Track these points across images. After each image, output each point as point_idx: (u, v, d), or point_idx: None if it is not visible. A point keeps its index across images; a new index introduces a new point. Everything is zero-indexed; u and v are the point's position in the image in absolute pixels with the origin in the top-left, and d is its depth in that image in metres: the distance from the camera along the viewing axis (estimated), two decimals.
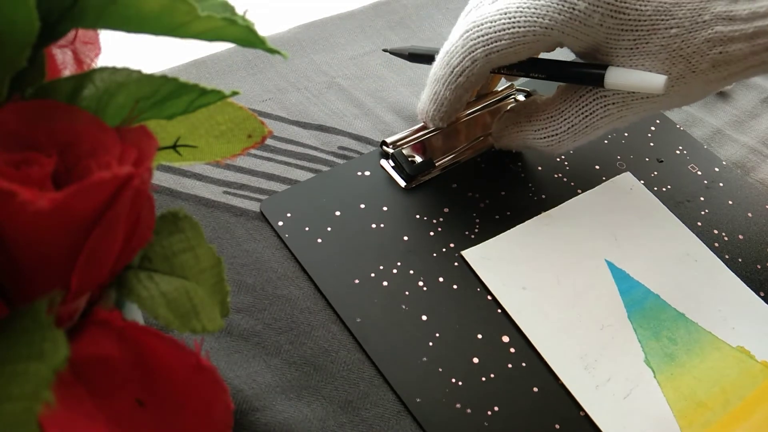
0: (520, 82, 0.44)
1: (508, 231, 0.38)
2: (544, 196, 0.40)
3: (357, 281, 0.35)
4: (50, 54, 0.21)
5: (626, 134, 0.45)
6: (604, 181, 0.42)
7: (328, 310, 0.34)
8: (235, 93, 0.20)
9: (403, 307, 0.34)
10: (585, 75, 0.35)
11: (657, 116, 0.46)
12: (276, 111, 0.42)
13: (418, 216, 0.38)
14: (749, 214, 0.42)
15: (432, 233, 0.37)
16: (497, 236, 0.38)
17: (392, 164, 0.40)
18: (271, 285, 0.34)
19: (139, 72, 0.19)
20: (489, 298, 0.35)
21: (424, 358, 0.33)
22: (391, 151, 0.40)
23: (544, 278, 0.36)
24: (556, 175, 0.41)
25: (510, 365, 0.33)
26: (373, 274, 0.35)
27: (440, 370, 0.32)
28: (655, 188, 0.42)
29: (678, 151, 0.44)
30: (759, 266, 0.39)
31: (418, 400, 0.31)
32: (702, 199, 0.42)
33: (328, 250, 0.36)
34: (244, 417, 0.30)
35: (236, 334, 0.32)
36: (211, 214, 0.36)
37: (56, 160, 0.18)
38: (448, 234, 0.38)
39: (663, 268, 0.38)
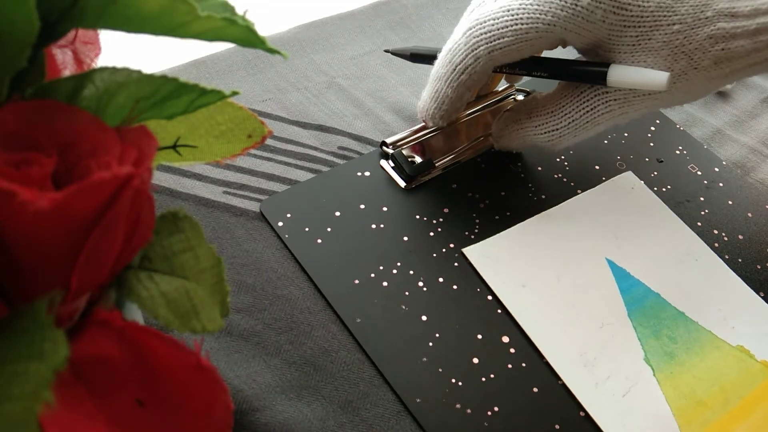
0: (521, 82, 0.44)
1: (509, 229, 0.38)
2: (544, 197, 0.40)
3: (357, 281, 0.35)
4: (50, 54, 0.21)
5: (626, 134, 0.45)
6: (604, 181, 0.42)
7: (328, 310, 0.34)
8: (235, 93, 0.20)
9: (403, 307, 0.34)
10: (587, 73, 0.35)
11: (657, 116, 0.46)
12: (276, 111, 0.42)
13: (418, 216, 0.38)
14: (749, 214, 0.42)
15: (432, 233, 0.37)
16: (498, 234, 0.38)
17: (392, 164, 0.40)
18: (271, 285, 0.34)
19: (139, 72, 0.19)
20: (489, 298, 0.35)
21: (424, 358, 0.33)
22: (391, 151, 0.40)
23: (545, 276, 0.36)
24: (556, 176, 0.41)
25: (510, 365, 0.33)
26: (373, 275, 0.35)
27: (440, 370, 0.32)
28: (655, 188, 0.42)
29: (678, 151, 0.44)
30: (759, 266, 0.39)
31: (418, 400, 0.31)
32: (702, 199, 0.42)
33: (328, 250, 0.36)
34: (244, 417, 0.30)
35: (236, 334, 0.32)
36: (211, 214, 0.36)
37: (56, 160, 0.18)
38: (448, 234, 0.38)
39: (663, 267, 0.38)
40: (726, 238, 0.40)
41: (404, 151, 0.40)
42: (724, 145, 0.46)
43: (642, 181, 0.42)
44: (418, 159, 0.40)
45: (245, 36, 0.19)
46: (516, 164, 0.42)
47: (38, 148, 0.18)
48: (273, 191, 0.38)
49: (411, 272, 0.36)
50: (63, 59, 0.22)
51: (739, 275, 0.38)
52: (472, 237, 0.38)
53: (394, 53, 0.41)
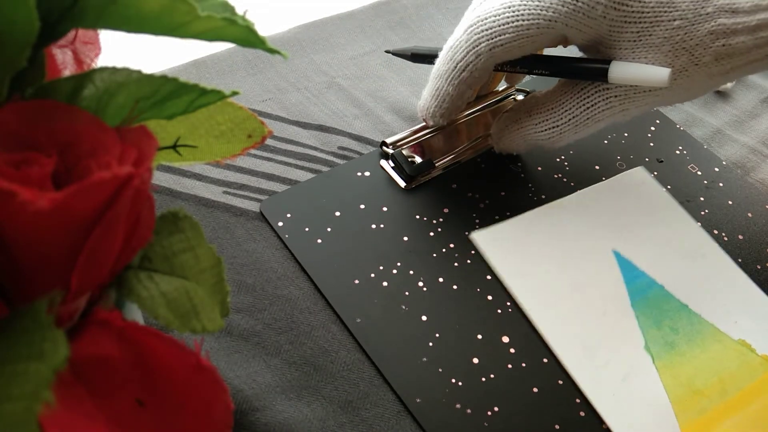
0: (521, 83, 0.44)
1: (518, 216, 0.39)
2: (544, 196, 0.40)
3: (357, 281, 0.35)
4: (50, 54, 0.21)
5: (626, 134, 0.45)
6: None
7: (328, 310, 0.34)
8: (235, 93, 0.20)
9: (403, 307, 0.34)
10: (588, 70, 0.35)
11: (657, 116, 0.46)
12: (276, 111, 0.42)
13: (418, 216, 0.38)
14: (749, 214, 0.42)
15: (432, 233, 0.37)
16: (507, 220, 0.38)
17: (392, 165, 0.40)
18: (271, 285, 0.34)
19: (139, 72, 0.19)
20: (489, 298, 0.35)
21: (424, 358, 0.33)
22: (391, 151, 0.40)
23: (551, 263, 0.37)
24: (556, 176, 0.41)
25: (510, 365, 0.33)
26: (373, 275, 0.35)
27: (440, 370, 0.32)
28: None
29: (678, 151, 0.44)
30: (759, 266, 0.39)
31: (418, 400, 0.31)
32: (702, 199, 0.42)
33: (328, 250, 0.36)
34: (244, 417, 0.30)
35: (236, 334, 0.32)
36: (211, 214, 0.36)
37: (56, 160, 0.18)
38: (448, 234, 0.38)
39: (670, 261, 0.38)
40: (726, 238, 0.40)
41: (404, 151, 0.40)
42: (724, 145, 0.46)
43: (653, 177, 0.42)
44: (418, 159, 0.40)
45: (245, 36, 0.19)
46: (516, 164, 0.42)
47: (38, 148, 0.18)
48: (273, 191, 0.38)
49: (411, 272, 0.36)
50: (63, 59, 0.22)
51: None
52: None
53: (395, 54, 0.41)
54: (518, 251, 0.37)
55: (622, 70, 0.34)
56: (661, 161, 0.44)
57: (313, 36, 0.47)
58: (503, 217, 0.39)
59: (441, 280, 0.36)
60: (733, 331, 0.36)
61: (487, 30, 0.34)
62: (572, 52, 0.38)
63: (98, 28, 0.20)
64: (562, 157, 0.43)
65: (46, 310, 0.17)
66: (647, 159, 0.43)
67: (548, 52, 0.39)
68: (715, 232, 0.40)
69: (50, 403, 0.16)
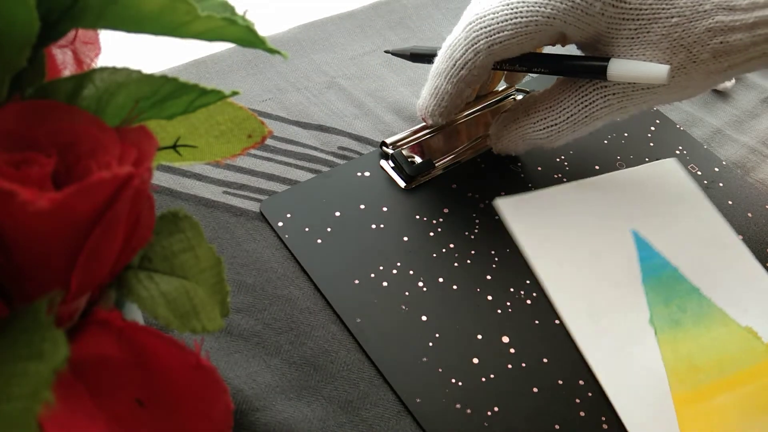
0: (521, 83, 0.44)
1: (545, 189, 0.40)
2: None
3: (357, 281, 0.35)
4: (50, 54, 0.21)
5: (626, 134, 0.45)
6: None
7: (328, 310, 0.34)
8: (235, 93, 0.20)
9: (403, 307, 0.34)
10: (587, 68, 0.35)
11: (657, 116, 0.46)
12: (276, 111, 0.42)
13: (417, 216, 0.38)
14: (749, 214, 0.42)
15: (432, 233, 0.37)
16: (532, 191, 0.40)
17: (392, 165, 0.40)
18: (271, 285, 0.34)
19: (139, 72, 0.19)
20: (489, 298, 0.35)
21: (424, 358, 0.33)
22: (390, 151, 0.40)
23: (569, 234, 0.38)
24: (556, 175, 0.41)
25: (510, 365, 0.33)
26: (373, 275, 0.35)
27: (440, 370, 0.32)
28: None
29: (678, 151, 0.44)
30: None
31: (418, 400, 0.31)
32: None
33: (328, 250, 0.36)
34: (244, 417, 0.30)
35: (236, 334, 0.32)
36: (211, 214, 0.36)
37: (56, 160, 0.18)
38: (447, 234, 0.38)
39: (688, 247, 0.39)
40: None
41: (404, 151, 0.40)
42: (724, 145, 0.46)
43: (684, 170, 0.43)
44: (418, 159, 0.40)
45: (245, 36, 0.19)
46: (516, 164, 0.42)
47: (38, 148, 0.18)
48: (273, 191, 0.38)
49: (411, 272, 0.36)
50: (63, 59, 0.22)
51: None
52: (472, 237, 0.38)
53: (394, 53, 0.42)
54: (538, 220, 0.38)
55: (620, 68, 0.34)
56: None
57: (313, 36, 0.47)
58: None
59: (441, 280, 0.36)
60: (741, 318, 0.36)
61: (485, 27, 0.34)
62: (571, 51, 0.38)
63: (98, 28, 0.20)
64: (562, 157, 0.43)
65: (46, 310, 0.17)
66: (647, 159, 0.43)
67: (547, 51, 0.39)
68: None
69: (50, 403, 0.16)
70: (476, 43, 0.35)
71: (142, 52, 0.38)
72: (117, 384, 0.19)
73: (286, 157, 0.40)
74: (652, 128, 0.45)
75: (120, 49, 0.27)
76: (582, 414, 0.32)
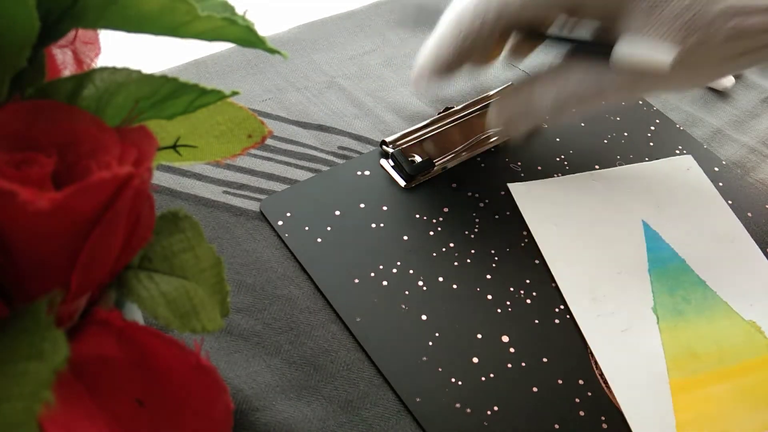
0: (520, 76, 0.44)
1: (558, 177, 0.41)
2: None
3: (357, 281, 0.35)
4: (50, 54, 0.21)
5: (626, 134, 0.45)
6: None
7: (328, 310, 0.34)
8: (235, 93, 0.20)
9: (403, 306, 0.34)
10: (594, 49, 0.35)
11: (657, 116, 0.46)
12: (276, 111, 0.42)
13: (417, 216, 0.38)
14: (749, 214, 0.42)
15: (432, 233, 0.37)
16: (546, 179, 0.40)
17: (392, 164, 0.40)
18: (271, 285, 0.34)
19: (139, 72, 0.19)
20: (489, 297, 0.35)
21: (424, 358, 0.33)
22: (390, 150, 0.40)
23: (579, 221, 0.38)
24: (556, 175, 0.41)
25: (510, 365, 0.33)
26: (373, 274, 0.35)
27: (440, 369, 0.32)
28: None
29: (678, 151, 0.44)
30: None
31: (418, 399, 0.31)
32: None
33: (328, 249, 0.36)
34: (244, 417, 0.30)
35: (236, 334, 0.32)
36: (210, 214, 0.36)
37: (56, 160, 0.18)
38: (447, 234, 0.38)
39: (697, 241, 0.39)
40: None
41: (404, 151, 0.40)
42: (724, 145, 0.46)
43: (699, 167, 0.43)
44: (417, 158, 0.40)
45: (245, 36, 0.19)
46: (516, 164, 0.42)
47: (38, 148, 0.18)
48: (273, 191, 0.38)
49: (411, 271, 0.36)
50: (63, 59, 0.22)
51: None
52: (472, 237, 0.38)
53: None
54: (550, 205, 0.39)
55: (626, 53, 0.34)
56: None
57: (313, 36, 0.47)
58: (503, 217, 0.39)
59: (441, 279, 0.36)
60: (745, 312, 0.36)
61: None
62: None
63: (98, 28, 0.20)
64: (562, 157, 0.43)
65: (46, 310, 0.17)
66: (647, 159, 0.43)
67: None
68: None
69: (50, 403, 0.16)
70: (488, 3, 0.34)
71: (142, 52, 0.38)
72: (117, 384, 0.19)
73: (286, 156, 0.40)
74: (652, 128, 0.45)
75: (120, 49, 0.27)
76: (582, 414, 0.32)
